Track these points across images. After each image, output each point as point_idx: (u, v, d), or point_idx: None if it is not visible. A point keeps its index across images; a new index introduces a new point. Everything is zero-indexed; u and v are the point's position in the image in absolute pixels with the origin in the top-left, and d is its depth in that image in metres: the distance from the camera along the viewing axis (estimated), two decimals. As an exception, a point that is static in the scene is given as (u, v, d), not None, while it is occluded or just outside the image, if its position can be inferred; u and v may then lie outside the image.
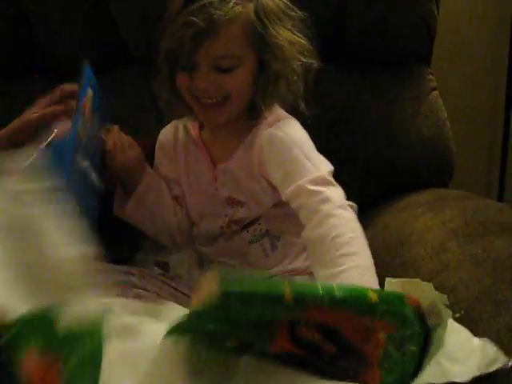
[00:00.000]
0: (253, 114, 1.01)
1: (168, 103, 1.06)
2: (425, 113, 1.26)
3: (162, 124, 1.28)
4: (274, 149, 0.98)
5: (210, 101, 0.97)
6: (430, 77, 1.30)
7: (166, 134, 1.13)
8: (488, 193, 1.64)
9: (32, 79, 1.34)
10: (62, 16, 1.29)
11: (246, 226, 1.04)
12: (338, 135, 1.17)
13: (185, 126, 1.10)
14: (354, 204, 0.92)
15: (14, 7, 1.29)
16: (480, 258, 0.81)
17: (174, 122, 1.12)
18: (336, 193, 0.92)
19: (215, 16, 0.90)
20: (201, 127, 1.08)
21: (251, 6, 0.94)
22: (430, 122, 1.25)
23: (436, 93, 1.28)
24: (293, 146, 0.97)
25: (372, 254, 1.08)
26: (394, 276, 0.93)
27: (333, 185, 0.94)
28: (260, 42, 0.95)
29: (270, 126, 1.00)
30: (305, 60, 0.99)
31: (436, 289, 0.81)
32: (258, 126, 1.01)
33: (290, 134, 0.99)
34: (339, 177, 1.06)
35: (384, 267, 1.00)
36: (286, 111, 1.04)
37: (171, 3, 0.96)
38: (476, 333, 0.69)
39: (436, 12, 1.27)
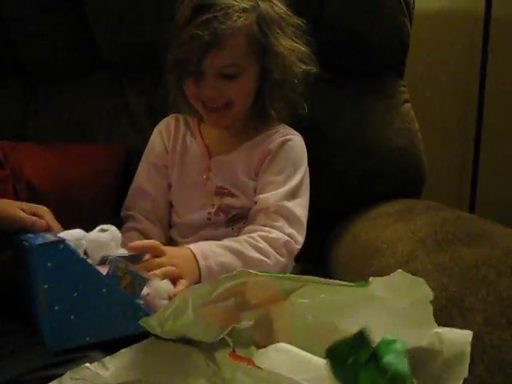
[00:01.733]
0: (262, 117, 1.08)
1: (174, 103, 1.12)
2: (397, 124, 1.27)
3: (135, 130, 1.30)
4: (281, 156, 1.05)
5: (215, 105, 1.03)
6: (403, 89, 1.31)
7: (166, 124, 1.16)
8: (459, 204, 1.66)
9: (6, 81, 1.34)
10: (37, 19, 1.29)
11: (232, 222, 1.07)
12: (313, 145, 1.17)
13: (185, 119, 1.15)
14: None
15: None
16: (448, 266, 0.82)
17: (173, 115, 1.17)
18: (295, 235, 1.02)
19: (219, 30, 0.96)
20: (200, 120, 1.14)
21: (253, 16, 1.00)
22: (402, 134, 1.26)
23: (408, 105, 1.30)
24: (297, 168, 1.06)
25: (343, 262, 1.10)
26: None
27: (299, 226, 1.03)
28: (262, 50, 1.02)
29: (284, 136, 1.08)
30: (304, 67, 1.07)
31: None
32: (268, 132, 1.08)
33: (301, 153, 1.08)
34: (314, 186, 1.10)
35: (355, 275, 1.01)
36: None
37: (178, 16, 1.01)
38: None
39: (409, 24, 1.28)
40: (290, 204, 1.02)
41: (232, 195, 1.07)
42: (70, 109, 1.31)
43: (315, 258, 1.21)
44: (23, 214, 0.86)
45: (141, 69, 1.32)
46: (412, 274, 0.84)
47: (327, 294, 0.71)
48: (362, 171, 1.25)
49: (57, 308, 0.75)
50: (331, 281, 0.71)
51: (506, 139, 1.67)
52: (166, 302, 0.82)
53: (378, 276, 0.91)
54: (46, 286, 0.75)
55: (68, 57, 1.32)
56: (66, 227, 1.05)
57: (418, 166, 1.27)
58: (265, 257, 0.97)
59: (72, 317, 0.76)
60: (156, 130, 1.17)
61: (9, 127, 1.29)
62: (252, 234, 0.99)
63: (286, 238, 0.99)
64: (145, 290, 0.82)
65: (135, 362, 0.73)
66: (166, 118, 1.17)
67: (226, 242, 0.98)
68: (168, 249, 0.92)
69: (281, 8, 1.05)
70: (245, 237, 0.98)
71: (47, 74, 1.33)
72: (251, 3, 1.01)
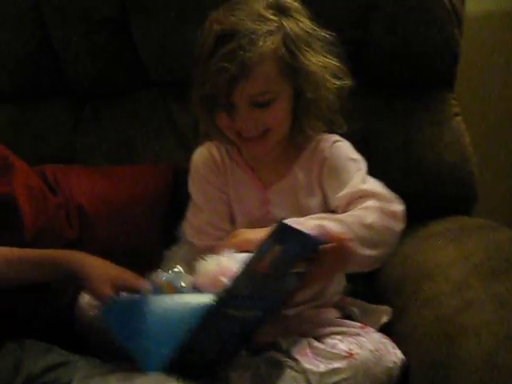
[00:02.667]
0: (301, 137, 1.02)
1: (205, 133, 1.06)
2: (447, 139, 1.23)
3: (181, 147, 1.30)
4: (336, 158, 1.01)
5: (251, 135, 0.97)
6: (453, 102, 1.27)
7: (204, 154, 1.08)
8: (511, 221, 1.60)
9: (55, 103, 1.36)
10: (83, 41, 1.31)
11: None
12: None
13: (226, 149, 1.07)
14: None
15: (38, 33, 1.31)
16: (504, 297, 0.79)
17: (207, 144, 1.08)
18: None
19: (246, 59, 0.89)
20: (239, 150, 1.06)
21: (279, 37, 0.93)
22: (453, 148, 1.23)
23: (459, 118, 1.26)
24: (357, 160, 1.01)
25: (394, 285, 1.07)
26: (416, 310, 0.94)
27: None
28: (292, 72, 0.95)
29: (330, 139, 1.03)
30: (338, 82, 0.99)
31: (458, 328, 0.81)
32: (313, 143, 1.03)
33: (353, 149, 1.03)
34: None
35: (405, 300, 0.99)
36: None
37: (200, 47, 0.95)
38: (498, 380, 0.68)
39: (459, 36, 1.24)
40: (367, 185, 0.96)
41: None
42: (117, 128, 1.32)
43: (365, 278, 1.19)
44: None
45: (186, 85, 1.32)
46: (466, 303, 0.83)
47: None
48: (412, 188, 1.21)
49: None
50: None
51: None
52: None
53: (430, 302, 0.91)
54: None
55: (114, 76, 1.33)
56: (114, 247, 1.08)
57: (469, 182, 1.23)
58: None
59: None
60: (194, 163, 1.08)
61: (58, 147, 1.31)
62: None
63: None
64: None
65: None
66: (201, 149, 1.09)
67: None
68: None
69: (306, 23, 0.98)
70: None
71: (94, 94, 1.35)
72: (275, 24, 0.94)
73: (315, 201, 1.01)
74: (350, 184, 0.96)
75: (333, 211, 0.96)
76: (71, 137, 1.33)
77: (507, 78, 1.58)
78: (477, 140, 1.29)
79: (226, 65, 0.89)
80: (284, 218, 0.92)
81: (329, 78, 0.98)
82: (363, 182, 0.97)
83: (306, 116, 0.99)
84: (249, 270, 0.77)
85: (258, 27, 0.91)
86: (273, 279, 0.81)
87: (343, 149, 1.02)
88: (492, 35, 1.55)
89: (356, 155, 1.02)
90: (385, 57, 1.25)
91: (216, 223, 1.03)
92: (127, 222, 1.13)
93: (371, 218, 0.89)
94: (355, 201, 0.94)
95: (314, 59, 0.96)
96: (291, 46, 0.94)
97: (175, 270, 0.86)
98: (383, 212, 0.91)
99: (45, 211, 1.04)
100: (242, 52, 0.89)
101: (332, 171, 1.00)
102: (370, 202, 0.92)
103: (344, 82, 1.00)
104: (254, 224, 1.02)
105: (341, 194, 0.96)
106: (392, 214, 0.93)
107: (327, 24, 1.14)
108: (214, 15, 0.96)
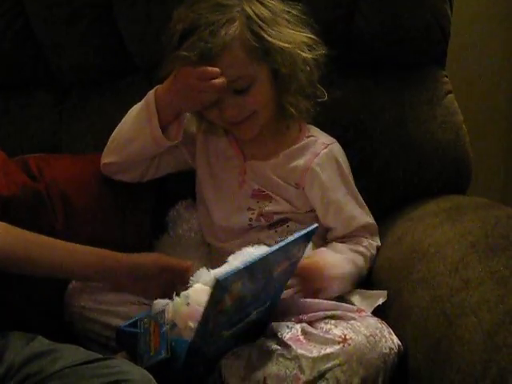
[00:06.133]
0: (284, 115, 1.04)
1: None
2: (440, 117, 1.21)
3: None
4: (329, 172, 1.05)
5: (239, 120, 1.01)
6: (445, 79, 1.25)
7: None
8: (505, 199, 1.58)
9: (38, 92, 1.33)
10: (66, 27, 1.27)
11: (274, 225, 1.05)
12: (355, 142, 1.14)
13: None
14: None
15: (18, 20, 1.27)
16: (502, 275, 0.77)
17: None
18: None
19: (206, 49, 0.93)
20: None
21: (242, 22, 0.95)
22: (446, 127, 1.21)
23: (451, 96, 1.24)
24: (347, 180, 1.07)
25: (388, 266, 1.06)
26: (411, 291, 0.92)
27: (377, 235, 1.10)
28: (263, 53, 0.97)
29: (325, 146, 1.06)
30: (312, 54, 1.01)
31: (457, 308, 0.79)
32: (306, 141, 1.06)
33: (345, 164, 1.08)
34: (357, 183, 1.09)
35: (401, 281, 0.97)
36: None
37: (167, 47, 0.99)
38: (499, 360, 0.66)
39: (449, 12, 1.22)
40: (365, 216, 1.07)
41: (270, 199, 1.05)
42: (103, 115, 1.29)
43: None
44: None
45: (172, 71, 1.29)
46: (464, 282, 0.81)
47: None
48: (405, 167, 1.20)
49: None
50: None
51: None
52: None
53: (427, 283, 0.89)
54: None
55: (98, 63, 1.29)
56: (102, 236, 1.06)
57: (463, 160, 1.22)
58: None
59: None
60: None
61: (43, 137, 1.28)
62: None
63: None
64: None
65: None
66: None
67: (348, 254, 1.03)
68: None
69: (269, 1, 0.99)
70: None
71: (78, 82, 1.32)
72: (236, 9, 0.96)
73: (294, 190, 1.05)
74: (345, 215, 1.05)
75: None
76: (56, 126, 1.30)
77: (498, 52, 1.56)
78: (469, 118, 1.27)
79: (186, 53, 0.93)
80: (260, 189, 1.08)
81: (300, 51, 0.99)
82: (354, 210, 1.06)
83: (287, 92, 1.01)
84: (209, 316, 0.78)
85: (218, 18, 0.94)
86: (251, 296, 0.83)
87: (335, 165, 1.06)
88: (482, 11, 1.52)
89: (345, 165, 1.08)
90: (375, 35, 1.22)
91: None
92: (114, 210, 1.10)
93: (361, 265, 1.04)
94: (351, 236, 1.05)
95: (281, 35, 0.98)
96: (255, 28, 0.96)
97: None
98: (370, 259, 1.06)
99: (21, 199, 1.01)
100: (202, 43, 0.93)
101: (318, 183, 1.04)
102: (363, 249, 1.05)
103: (318, 53, 1.01)
104: (223, 190, 1.08)
105: (337, 224, 1.05)
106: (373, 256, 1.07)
107: (316, 3, 1.13)
108: (177, 14, 0.99)
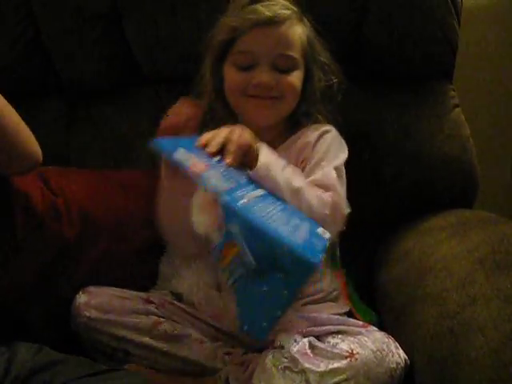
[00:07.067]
0: (307, 120, 1.07)
1: (210, 108, 1.08)
2: (447, 130, 1.21)
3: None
4: (322, 144, 1.02)
5: (268, 95, 1.00)
6: (452, 93, 1.25)
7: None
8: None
9: (47, 102, 1.33)
10: (75, 38, 1.28)
11: None
12: (361, 154, 1.14)
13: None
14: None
15: (29, 30, 1.28)
16: (509, 292, 0.77)
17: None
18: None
19: (280, 13, 0.98)
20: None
21: (302, 23, 1.04)
22: (453, 140, 1.21)
23: (458, 110, 1.24)
24: (339, 153, 1.02)
25: (395, 280, 1.06)
26: (418, 306, 0.92)
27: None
28: (310, 54, 1.04)
29: (320, 128, 1.05)
30: (338, 79, 1.07)
31: (463, 325, 0.79)
32: (301, 130, 1.05)
33: (340, 141, 1.05)
34: (362, 195, 1.10)
35: (408, 296, 0.97)
36: None
37: (231, 7, 1.03)
38: (506, 378, 0.66)
39: (457, 26, 1.22)
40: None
41: None
42: (111, 125, 1.30)
43: (365, 271, 1.18)
44: None
45: (180, 82, 1.30)
46: (471, 299, 0.81)
47: None
48: (413, 180, 1.20)
49: None
50: None
51: None
52: None
53: (433, 299, 0.89)
54: None
55: (107, 74, 1.30)
56: (117, 252, 1.06)
57: (470, 174, 1.22)
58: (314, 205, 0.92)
59: None
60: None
61: (52, 147, 1.27)
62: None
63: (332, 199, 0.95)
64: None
65: None
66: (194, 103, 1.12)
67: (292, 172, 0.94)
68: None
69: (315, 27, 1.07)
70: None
71: (87, 92, 1.32)
72: (299, 14, 1.04)
73: None
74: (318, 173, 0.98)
75: None
76: (65, 136, 1.31)
77: (505, 69, 1.56)
78: (476, 131, 1.27)
79: (261, 7, 0.97)
80: None
81: (332, 71, 1.07)
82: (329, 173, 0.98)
83: (312, 100, 1.05)
84: None
85: (290, 5, 1.02)
86: None
87: (331, 139, 1.04)
88: (489, 25, 1.53)
89: (343, 148, 1.04)
90: (383, 48, 1.23)
91: None
92: (128, 226, 1.11)
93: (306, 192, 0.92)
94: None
95: (324, 53, 1.06)
96: (310, 34, 1.04)
97: None
98: (323, 200, 0.93)
99: (41, 210, 1.02)
100: (276, 7, 0.98)
101: (311, 155, 1.01)
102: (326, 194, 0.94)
103: (341, 81, 1.07)
104: None
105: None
106: (330, 204, 0.93)
107: (323, 16, 1.13)
108: None
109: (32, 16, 1.27)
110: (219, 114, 1.07)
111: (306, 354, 0.86)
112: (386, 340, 0.89)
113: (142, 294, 1.04)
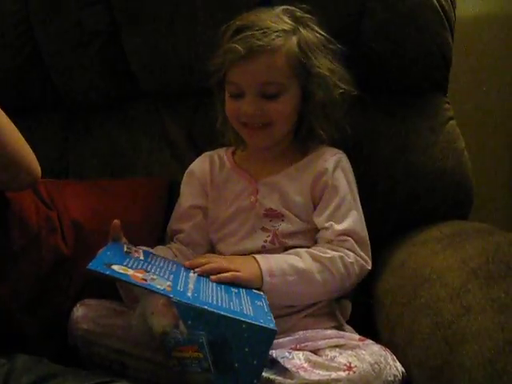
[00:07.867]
0: (312, 139, 1.09)
1: (221, 128, 1.14)
2: (442, 143, 1.22)
3: (174, 158, 1.29)
4: (340, 178, 1.06)
5: (255, 124, 1.03)
6: (447, 106, 1.26)
7: (199, 165, 1.15)
8: (509, 225, 1.59)
9: (46, 116, 1.35)
10: (74, 52, 1.30)
11: (287, 250, 1.04)
12: (357, 167, 1.15)
13: (219, 156, 1.15)
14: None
15: (28, 45, 1.30)
16: (503, 302, 0.78)
17: (205, 154, 1.17)
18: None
19: (255, 45, 0.99)
20: (233, 153, 1.15)
21: (294, 39, 1.02)
22: (448, 153, 1.22)
23: (453, 122, 1.25)
24: (352, 187, 1.07)
25: (391, 290, 1.06)
26: (414, 317, 0.92)
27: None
28: (304, 71, 1.03)
29: (335, 154, 1.08)
30: (345, 87, 1.07)
31: (458, 335, 0.79)
32: (316, 152, 1.09)
33: (351, 174, 1.09)
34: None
35: (403, 306, 0.97)
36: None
37: (221, 41, 1.05)
38: (501, 387, 0.66)
39: (451, 39, 1.24)
40: (359, 227, 1.04)
41: (282, 217, 1.05)
42: (109, 140, 1.31)
43: (361, 282, 1.18)
44: None
45: (178, 96, 1.32)
46: (465, 309, 0.82)
47: None
48: (408, 193, 1.21)
49: None
50: None
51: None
52: None
53: (428, 309, 0.90)
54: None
55: (106, 88, 1.32)
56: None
57: (465, 186, 1.23)
58: (329, 275, 0.99)
59: None
60: (190, 171, 1.15)
61: (50, 160, 1.30)
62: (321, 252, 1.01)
63: (357, 258, 1.02)
64: None
65: None
66: (198, 159, 1.17)
67: (292, 258, 0.99)
68: (227, 257, 1.01)
69: (321, 33, 1.07)
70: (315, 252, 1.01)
71: (85, 106, 1.34)
72: (291, 27, 1.03)
73: (302, 200, 1.06)
74: (340, 213, 1.03)
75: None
76: (63, 150, 1.32)
77: (499, 80, 1.57)
78: (470, 144, 1.28)
79: (236, 45, 0.99)
80: (271, 208, 1.06)
81: (336, 82, 1.06)
82: (350, 213, 1.04)
83: (315, 117, 1.06)
84: None
85: (274, 25, 1.01)
86: None
87: (347, 171, 1.08)
88: (482, 38, 1.54)
89: (352, 178, 1.09)
90: (377, 62, 1.24)
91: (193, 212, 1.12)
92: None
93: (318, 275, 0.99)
94: (334, 239, 1.02)
95: (323, 63, 1.05)
96: (305, 47, 1.03)
97: None
98: (340, 272, 1.00)
99: (36, 222, 1.03)
100: (253, 39, 0.99)
101: (324, 181, 1.05)
102: (328, 261, 0.99)
103: (350, 89, 1.08)
104: (242, 218, 1.08)
105: (325, 224, 1.02)
106: (359, 269, 1.02)
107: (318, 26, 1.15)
108: (239, 16, 1.05)
109: (31, 30, 1.29)
110: (228, 136, 1.13)
111: (303, 367, 0.86)
112: (384, 353, 0.89)
113: None
